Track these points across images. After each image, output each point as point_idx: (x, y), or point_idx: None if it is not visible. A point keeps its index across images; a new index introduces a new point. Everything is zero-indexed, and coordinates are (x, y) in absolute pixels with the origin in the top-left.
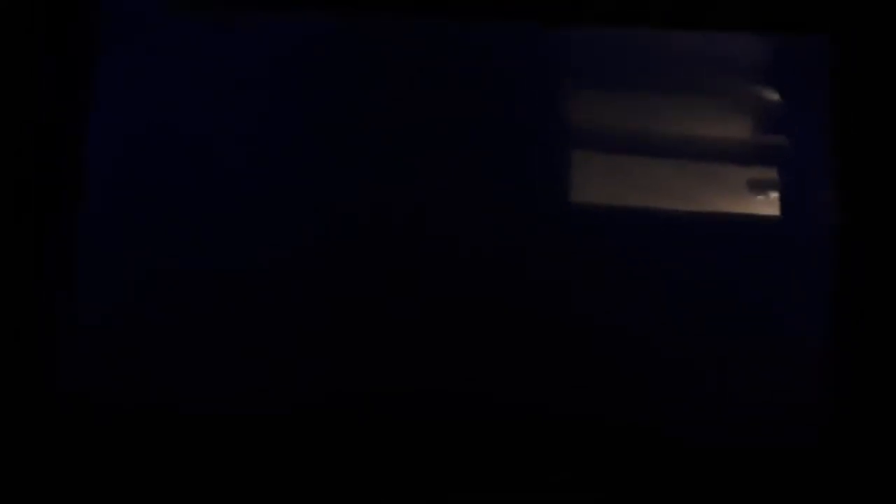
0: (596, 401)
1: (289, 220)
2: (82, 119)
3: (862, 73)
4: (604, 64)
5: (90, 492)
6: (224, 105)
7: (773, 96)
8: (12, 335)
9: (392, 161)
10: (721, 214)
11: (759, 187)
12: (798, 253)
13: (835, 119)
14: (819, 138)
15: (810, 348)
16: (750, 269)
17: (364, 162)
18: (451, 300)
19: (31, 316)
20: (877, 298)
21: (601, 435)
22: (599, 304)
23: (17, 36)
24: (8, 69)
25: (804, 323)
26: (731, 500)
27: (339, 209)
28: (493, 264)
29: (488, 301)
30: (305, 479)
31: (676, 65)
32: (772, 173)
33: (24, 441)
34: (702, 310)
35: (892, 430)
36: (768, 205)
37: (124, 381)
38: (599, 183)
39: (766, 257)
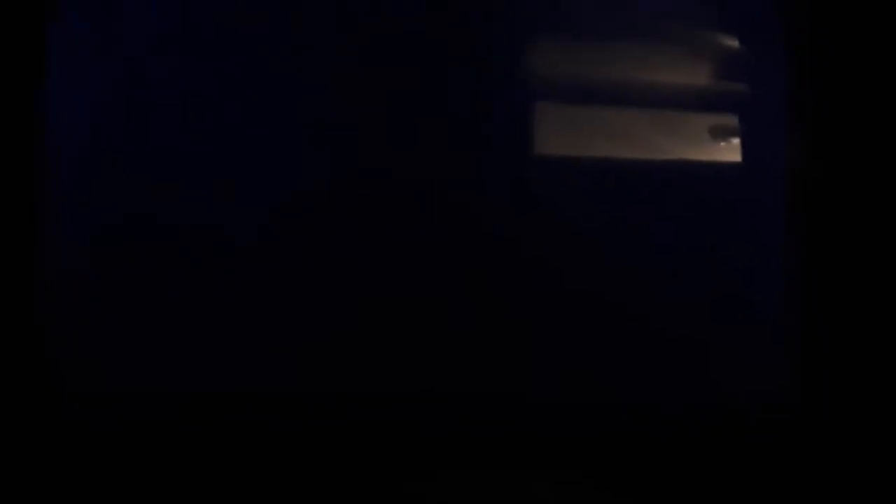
0: (552, 365)
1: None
2: (40, 92)
3: (818, 17)
4: (562, 15)
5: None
6: (191, 69)
7: (731, 42)
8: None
9: (356, 116)
10: (682, 162)
11: (719, 133)
12: (759, 198)
13: (792, 63)
14: (778, 83)
15: (774, 297)
16: (711, 216)
17: (329, 118)
18: (413, 255)
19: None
20: (836, 242)
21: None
22: (559, 256)
23: None
24: None
25: (765, 271)
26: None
27: (308, 170)
28: (453, 215)
29: (446, 253)
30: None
31: (634, 14)
32: (732, 119)
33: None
34: (663, 257)
35: (857, 397)
36: (729, 151)
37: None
38: (560, 133)
39: (727, 204)
